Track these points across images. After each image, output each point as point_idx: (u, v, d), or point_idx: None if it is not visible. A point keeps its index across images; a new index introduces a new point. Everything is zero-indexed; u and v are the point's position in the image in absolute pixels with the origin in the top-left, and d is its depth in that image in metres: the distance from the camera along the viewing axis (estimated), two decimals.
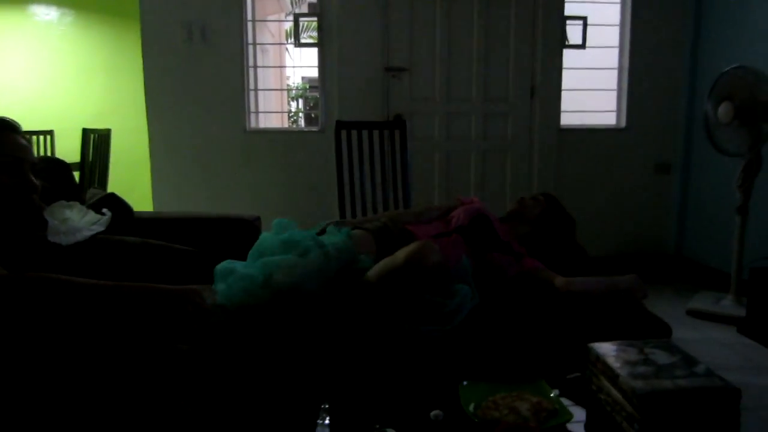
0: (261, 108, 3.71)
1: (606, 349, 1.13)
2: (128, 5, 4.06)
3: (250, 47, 3.54)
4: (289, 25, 7.12)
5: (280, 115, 6.80)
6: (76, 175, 3.17)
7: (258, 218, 2.18)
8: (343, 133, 2.87)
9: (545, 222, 1.99)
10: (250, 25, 3.52)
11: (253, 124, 3.59)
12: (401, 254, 1.48)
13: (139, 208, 1.64)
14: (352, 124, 2.90)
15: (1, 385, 0.91)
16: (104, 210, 1.33)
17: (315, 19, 3.55)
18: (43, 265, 1.09)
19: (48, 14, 4.62)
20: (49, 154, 4.12)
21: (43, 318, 1.00)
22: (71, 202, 1.29)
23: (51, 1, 4.60)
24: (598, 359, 1.11)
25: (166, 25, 3.37)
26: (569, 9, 3.55)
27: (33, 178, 1.22)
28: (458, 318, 1.43)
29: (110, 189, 3.91)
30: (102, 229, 1.26)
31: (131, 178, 4.16)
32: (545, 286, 1.72)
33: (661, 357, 1.09)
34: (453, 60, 3.49)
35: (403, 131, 2.95)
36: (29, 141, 1.31)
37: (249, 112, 3.54)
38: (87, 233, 1.20)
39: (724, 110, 2.78)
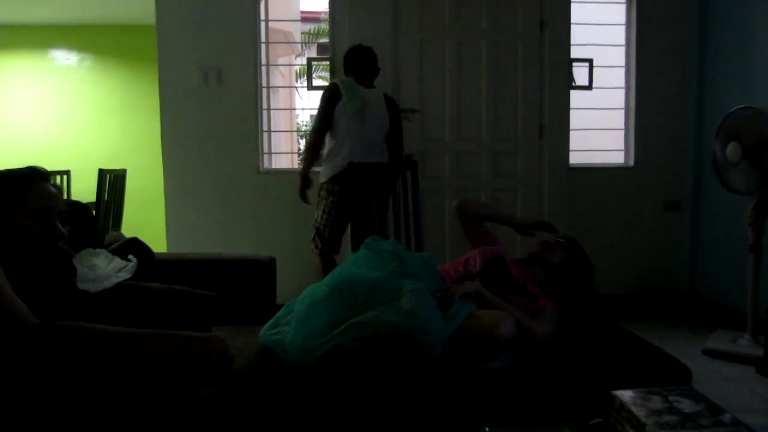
0: (272, 148, 3.78)
1: (630, 397, 1.13)
2: (146, 50, 4.19)
3: (264, 90, 3.63)
4: (299, 67, 7.28)
5: (289, 154, 6.86)
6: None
7: (273, 259, 2.20)
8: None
9: (566, 270, 1.98)
10: (263, 68, 3.62)
11: (266, 165, 3.65)
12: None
13: (153, 247, 1.66)
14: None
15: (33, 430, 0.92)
16: (130, 257, 1.36)
17: (327, 62, 3.64)
18: (72, 312, 1.11)
19: (68, 59, 4.77)
20: (65, 193, 4.19)
21: (77, 365, 1.02)
22: (98, 249, 1.32)
23: (71, 46, 4.76)
24: (623, 407, 1.11)
25: (183, 69, 3.47)
26: (575, 52, 3.64)
27: (60, 226, 1.25)
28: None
29: (124, 228, 3.97)
30: (129, 276, 1.28)
31: (145, 217, 4.21)
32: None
33: (686, 405, 1.08)
34: (462, 101, 3.56)
35: (415, 171, 2.99)
36: (58, 188, 1.35)
37: (262, 153, 3.61)
38: (115, 280, 1.22)
39: (732, 150, 2.81)
